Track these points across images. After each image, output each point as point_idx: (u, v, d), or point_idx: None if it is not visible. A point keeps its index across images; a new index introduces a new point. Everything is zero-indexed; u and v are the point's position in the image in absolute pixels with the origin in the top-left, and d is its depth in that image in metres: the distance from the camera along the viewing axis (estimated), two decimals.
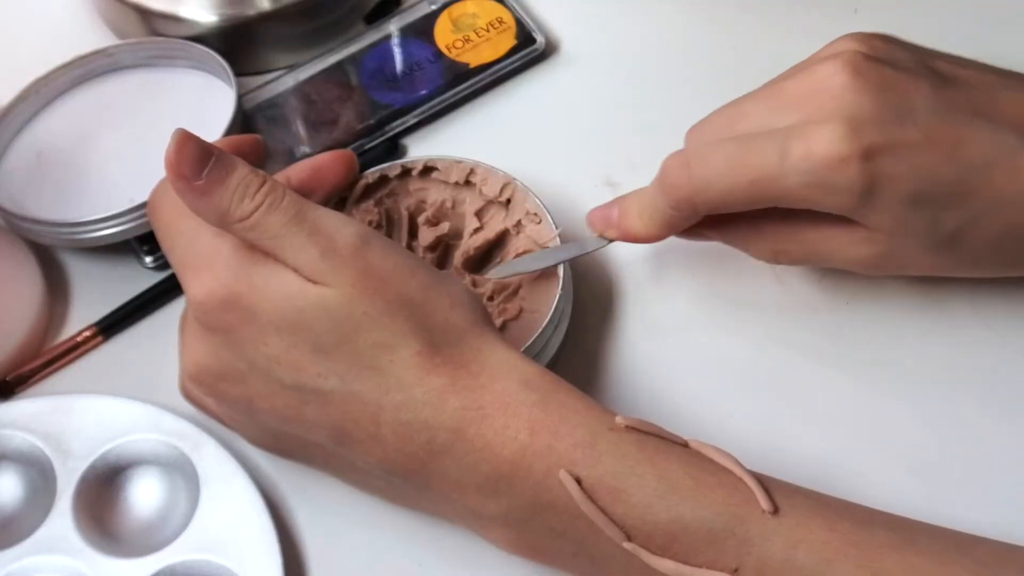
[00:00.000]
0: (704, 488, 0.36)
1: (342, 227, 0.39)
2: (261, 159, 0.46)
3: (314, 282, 0.38)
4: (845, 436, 0.47)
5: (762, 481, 0.37)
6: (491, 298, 0.48)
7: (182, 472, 0.46)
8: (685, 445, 0.38)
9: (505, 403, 0.37)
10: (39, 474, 0.46)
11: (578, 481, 0.36)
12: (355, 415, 0.38)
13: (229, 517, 0.44)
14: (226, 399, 0.40)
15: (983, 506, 0.43)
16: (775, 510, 0.36)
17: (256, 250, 0.39)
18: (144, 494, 0.46)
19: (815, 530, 0.36)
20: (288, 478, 0.46)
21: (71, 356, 0.50)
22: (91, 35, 0.60)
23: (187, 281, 0.39)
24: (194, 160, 0.38)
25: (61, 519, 0.44)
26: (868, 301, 0.50)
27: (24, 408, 0.47)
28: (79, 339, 0.50)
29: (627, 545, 0.36)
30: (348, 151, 0.49)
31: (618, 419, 0.38)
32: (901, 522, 0.37)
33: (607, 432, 0.37)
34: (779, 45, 0.59)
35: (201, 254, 0.39)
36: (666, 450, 0.37)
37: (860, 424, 0.47)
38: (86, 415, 0.46)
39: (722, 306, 0.51)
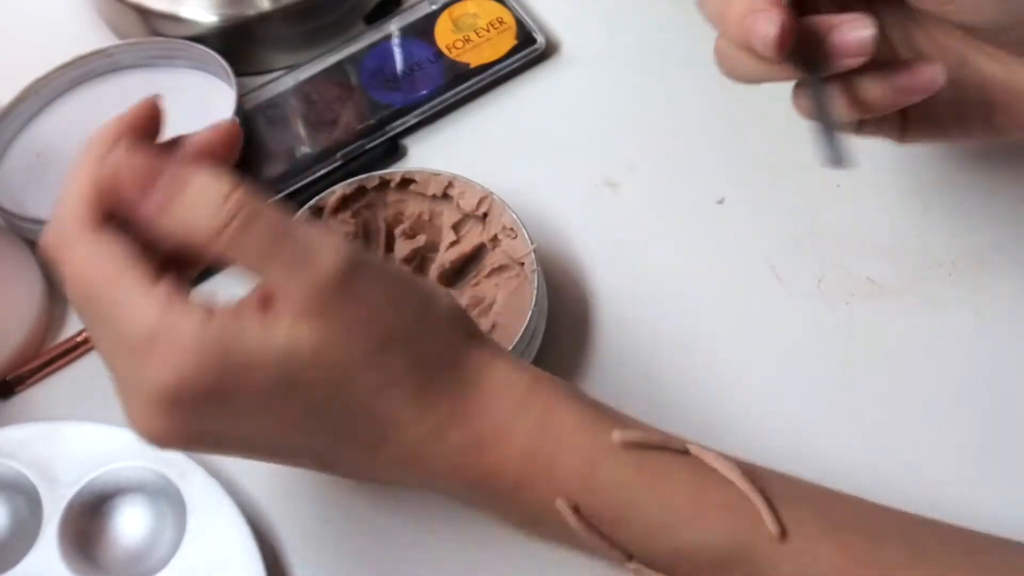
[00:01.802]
0: (708, 512, 0.35)
1: (328, 249, 0.34)
2: (236, 149, 0.40)
3: (297, 316, 0.33)
4: (845, 436, 0.47)
5: (767, 494, 0.35)
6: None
7: (169, 500, 0.45)
8: (686, 451, 0.37)
9: (502, 431, 0.36)
10: (25, 502, 0.45)
11: (576, 508, 0.36)
12: (351, 458, 0.37)
13: (216, 546, 0.44)
14: (198, 451, 0.39)
15: (990, 504, 0.43)
16: (783, 533, 0.35)
17: (217, 316, 0.33)
18: (131, 522, 0.46)
19: (824, 553, 0.35)
20: (277, 507, 0.46)
21: (71, 356, 0.50)
22: (91, 35, 0.60)
23: (136, 366, 0.33)
24: (140, 180, 0.33)
25: (47, 547, 0.44)
26: (869, 300, 0.50)
27: (10, 435, 0.46)
28: (79, 339, 0.50)
29: (631, 565, 0.36)
30: (229, 122, 0.40)
31: (615, 436, 0.36)
32: (913, 531, 0.36)
33: (604, 458, 0.36)
34: None
35: (150, 329, 0.33)
36: (667, 471, 0.36)
37: (861, 424, 0.47)
38: (73, 442, 0.46)
39: (720, 305, 0.51)
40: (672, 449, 0.37)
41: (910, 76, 0.37)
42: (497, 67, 0.57)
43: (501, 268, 0.49)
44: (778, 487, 0.36)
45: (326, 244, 0.34)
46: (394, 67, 0.58)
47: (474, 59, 0.58)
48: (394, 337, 0.35)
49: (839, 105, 0.38)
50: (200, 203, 0.33)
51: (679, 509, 0.36)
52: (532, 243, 0.48)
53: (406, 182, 0.51)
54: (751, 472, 0.36)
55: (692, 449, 0.37)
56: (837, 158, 0.36)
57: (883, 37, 0.39)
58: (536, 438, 0.36)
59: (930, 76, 0.37)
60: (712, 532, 0.35)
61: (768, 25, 0.35)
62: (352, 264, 0.34)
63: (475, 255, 0.50)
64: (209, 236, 0.33)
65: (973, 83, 0.39)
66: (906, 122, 0.41)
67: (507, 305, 0.48)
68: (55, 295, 0.52)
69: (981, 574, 0.35)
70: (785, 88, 0.40)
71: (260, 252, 0.33)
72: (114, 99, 0.56)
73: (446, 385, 0.36)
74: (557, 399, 0.37)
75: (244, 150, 0.54)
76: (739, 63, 0.38)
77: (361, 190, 0.51)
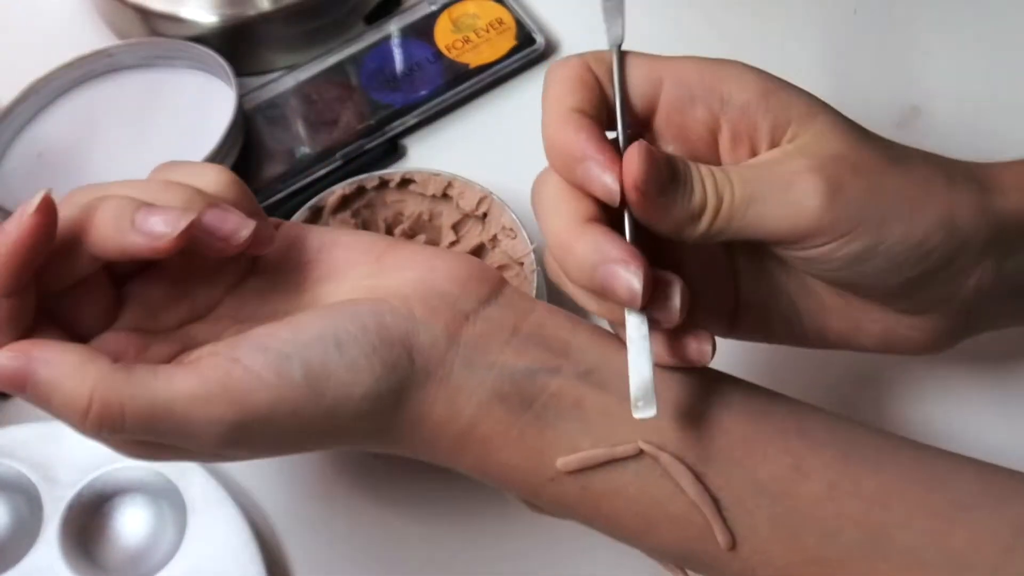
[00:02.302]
0: (656, 525, 0.35)
1: (211, 425, 0.33)
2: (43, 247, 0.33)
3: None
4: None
5: (720, 494, 0.34)
6: None
7: (169, 501, 0.45)
8: (639, 453, 0.35)
9: (448, 462, 0.37)
10: (26, 502, 0.45)
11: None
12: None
13: (216, 547, 0.44)
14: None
15: None
16: (732, 544, 0.34)
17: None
18: (131, 523, 0.46)
19: (776, 554, 0.34)
20: (277, 507, 0.46)
21: None
22: (91, 35, 0.60)
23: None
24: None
25: (48, 548, 0.44)
26: None
27: (11, 435, 0.46)
28: None
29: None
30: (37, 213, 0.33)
31: (559, 463, 0.35)
32: (872, 514, 0.34)
33: (546, 488, 0.36)
34: (779, 45, 0.59)
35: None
36: (613, 488, 0.35)
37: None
38: (73, 442, 0.44)
39: None
40: (622, 458, 0.35)
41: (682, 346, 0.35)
42: (497, 67, 0.58)
43: (501, 268, 0.49)
44: (733, 484, 0.35)
45: (203, 419, 0.33)
46: (394, 67, 0.58)
47: (474, 59, 0.58)
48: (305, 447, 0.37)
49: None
50: (65, 416, 0.34)
51: (626, 525, 0.36)
52: (532, 243, 0.48)
53: (406, 182, 0.51)
54: (704, 475, 0.35)
55: (646, 449, 0.35)
56: (651, 400, 0.34)
57: (731, 266, 0.38)
58: (479, 473, 0.37)
59: (696, 354, 0.35)
60: (662, 543, 0.36)
61: (631, 280, 0.32)
62: (237, 427, 0.33)
63: (475, 255, 0.50)
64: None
65: (812, 307, 0.38)
66: (735, 324, 0.39)
67: None
68: None
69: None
70: None
71: (140, 436, 0.34)
72: (114, 99, 0.56)
73: (388, 442, 0.36)
74: (493, 439, 0.36)
75: (244, 150, 0.55)
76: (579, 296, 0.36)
77: (361, 190, 0.51)
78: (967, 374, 0.48)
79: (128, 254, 0.34)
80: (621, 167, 0.33)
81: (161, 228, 0.33)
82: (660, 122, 0.35)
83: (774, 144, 0.35)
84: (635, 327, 0.34)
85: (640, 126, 0.36)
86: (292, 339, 0.34)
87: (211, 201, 0.35)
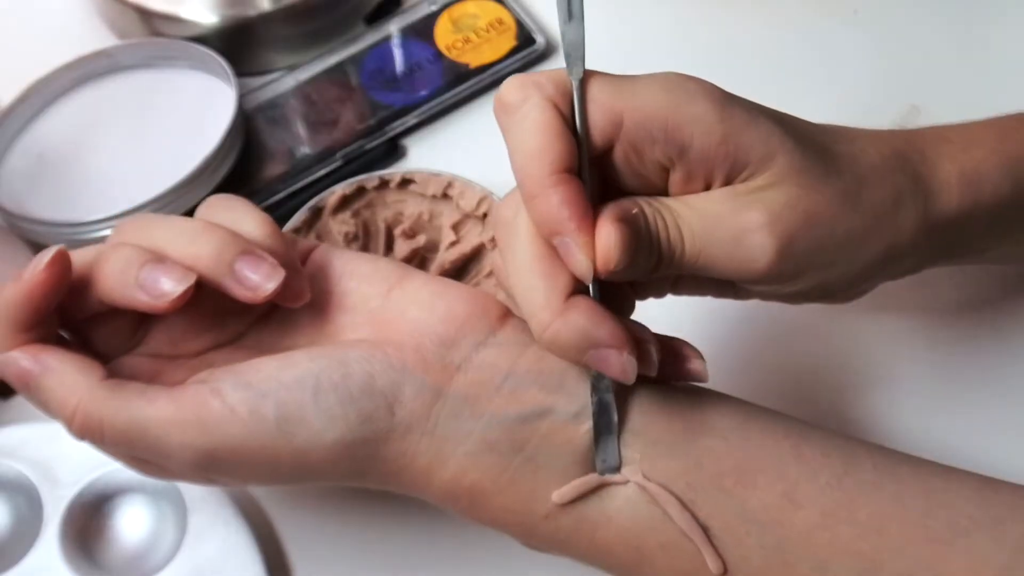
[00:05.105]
0: (649, 555, 0.35)
1: (182, 449, 0.35)
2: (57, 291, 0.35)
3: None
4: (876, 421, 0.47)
5: (709, 523, 0.35)
6: None
7: (169, 500, 0.45)
8: (628, 482, 0.36)
9: (440, 504, 0.37)
10: (26, 502, 0.45)
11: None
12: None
13: (217, 547, 0.44)
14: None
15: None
16: (724, 571, 0.35)
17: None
18: (132, 523, 0.46)
19: None
20: (277, 507, 0.46)
21: None
22: (92, 36, 0.60)
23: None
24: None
25: (48, 547, 0.44)
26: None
27: (11, 435, 0.46)
28: None
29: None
30: (56, 252, 0.35)
31: (554, 497, 0.36)
32: (866, 540, 0.34)
33: (540, 526, 0.36)
34: (780, 46, 0.59)
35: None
36: (606, 519, 0.36)
37: (866, 428, 0.47)
38: (73, 442, 0.45)
39: (717, 307, 0.51)
40: (615, 483, 0.36)
41: (677, 361, 0.37)
42: (497, 67, 0.58)
43: None
44: (721, 512, 0.35)
45: (175, 442, 0.35)
46: (394, 68, 0.58)
47: (474, 59, 0.58)
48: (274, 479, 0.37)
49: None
50: (57, 420, 0.36)
51: (619, 556, 0.36)
52: None
53: (406, 182, 0.51)
54: (693, 503, 0.35)
55: (634, 480, 0.35)
56: (616, 463, 0.35)
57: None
58: (472, 517, 0.37)
59: (697, 369, 0.37)
60: (655, 574, 0.36)
61: (626, 365, 0.34)
62: (208, 455, 0.35)
63: (475, 255, 0.50)
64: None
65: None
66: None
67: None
68: None
69: None
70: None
71: (121, 451, 0.36)
72: (115, 99, 0.56)
73: (373, 483, 0.37)
74: (484, 486, 0.36)
75: (244, 150, 0.55)
76: None
77: (361, 190, 0.51)
78: (968, 379, 0.48)
79: (132, 307, 0.35)
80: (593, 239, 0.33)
81: (162, 287, 0.34)
82: (618, 156, 0.35)
83: (728, 182, 0.35)
84: (603, 394, 0.35)
85: (597, 158, 0.35)
86: (274, 377, 0.35)
87: (245, 248, 0.36)
